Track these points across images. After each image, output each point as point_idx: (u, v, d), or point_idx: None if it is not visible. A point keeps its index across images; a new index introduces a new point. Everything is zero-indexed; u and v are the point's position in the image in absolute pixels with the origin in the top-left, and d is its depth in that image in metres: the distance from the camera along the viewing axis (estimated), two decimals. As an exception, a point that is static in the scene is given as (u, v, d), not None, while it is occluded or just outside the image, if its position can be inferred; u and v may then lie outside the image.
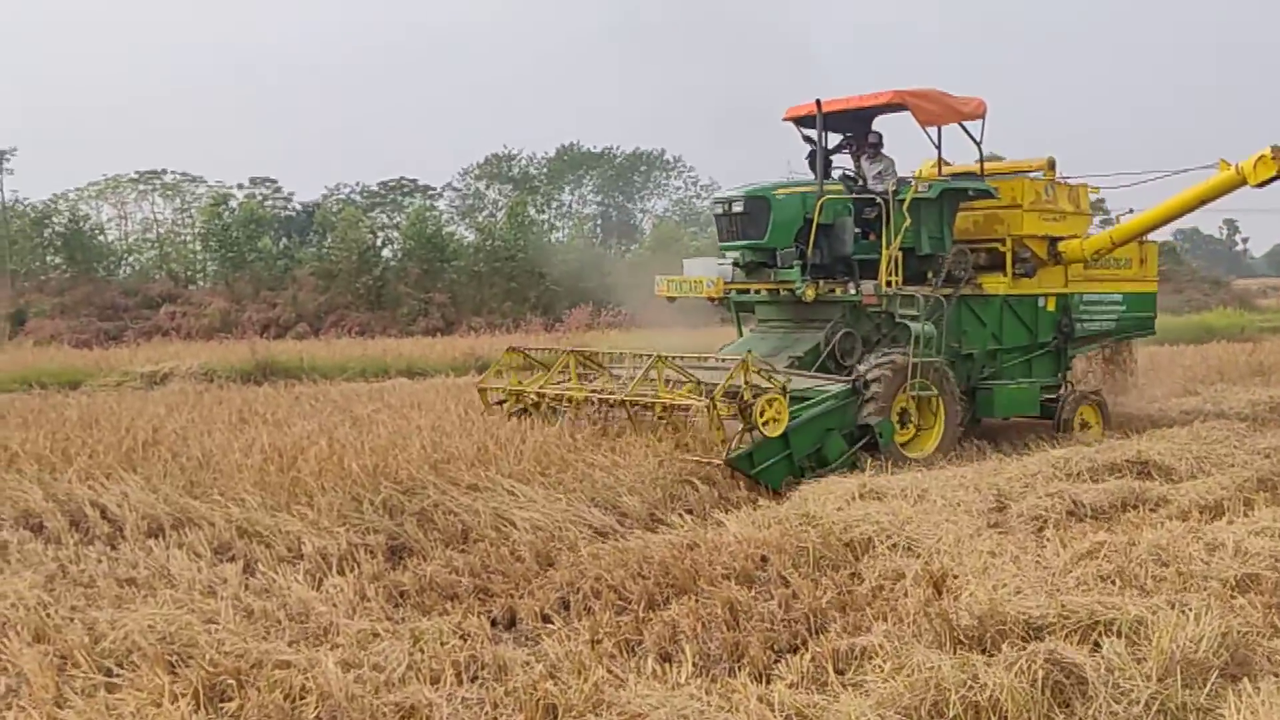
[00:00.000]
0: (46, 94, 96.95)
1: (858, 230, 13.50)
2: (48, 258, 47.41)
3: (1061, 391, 14.96)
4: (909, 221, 13.31)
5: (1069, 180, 15.11)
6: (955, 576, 7.35)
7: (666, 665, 6.13)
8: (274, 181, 53.15)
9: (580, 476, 10.20)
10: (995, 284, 14.33)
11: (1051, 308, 14.87)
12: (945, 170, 14.79)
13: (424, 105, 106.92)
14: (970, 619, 6.24)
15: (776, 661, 6.24)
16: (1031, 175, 14.85)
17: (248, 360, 25.25)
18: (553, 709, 5.48)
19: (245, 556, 8.41)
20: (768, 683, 5.86)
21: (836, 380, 12.29)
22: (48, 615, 6.90)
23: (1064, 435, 14.05)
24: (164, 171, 51.59)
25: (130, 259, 50.99)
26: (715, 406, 10.98)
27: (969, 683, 5.31)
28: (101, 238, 49.98)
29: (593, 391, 12.40)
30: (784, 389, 11.21)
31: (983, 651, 5.90)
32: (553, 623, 7.03)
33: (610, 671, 5.99)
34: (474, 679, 5.98)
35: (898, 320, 13.26)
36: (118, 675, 6.03)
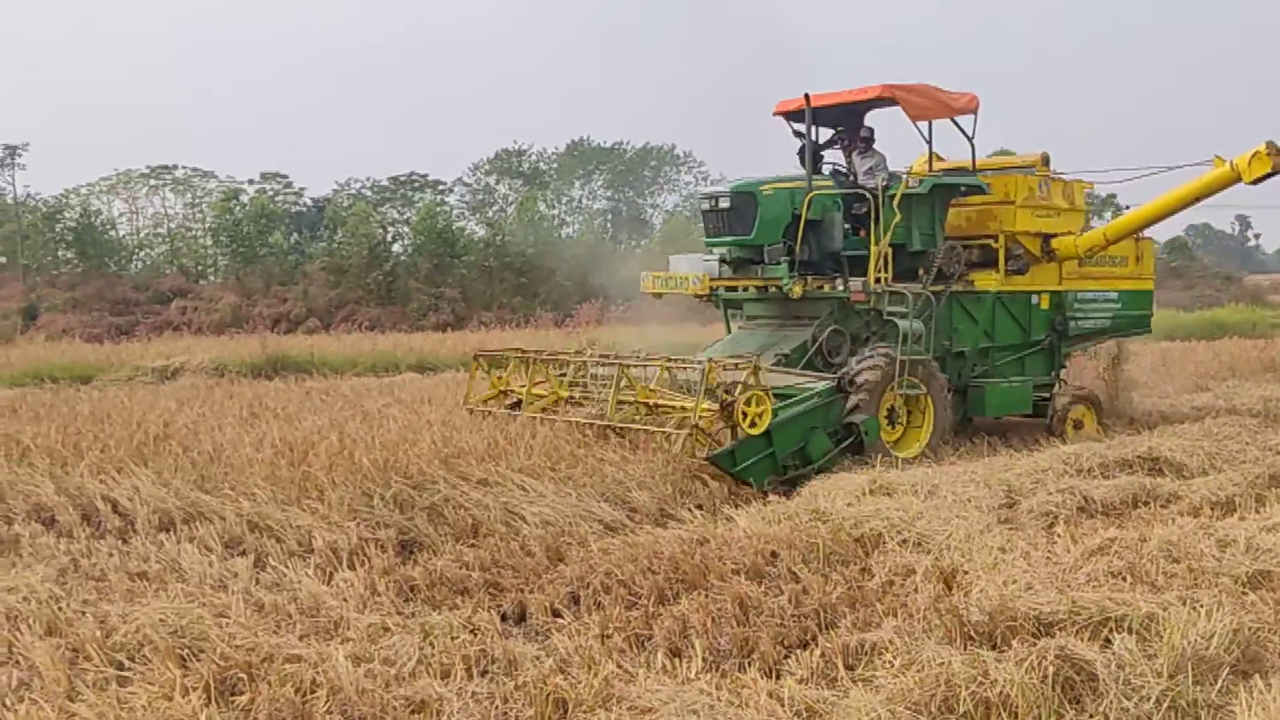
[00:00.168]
0: (58, 89, 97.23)
1: (847, 226, 13.38)
2: (59, 253, 47.59)
3: (1055, 390, 14.82)
4: (899, 217, 13.16)
5: (1063, 176, 15.00)
6: (965, 572, 7.34)
7: (676, 660, 6.13)
8: (285, 177, 53.30)
9: (590, 471, 10.20)
10: (987, 281, 14.18)
11: (1045, 305, 14.71)
12: (938, 166, 14.65)
13: (435, 101, 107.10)
14: (980, 615, 6.24)
15: (786, 657, 6.23)
16: (1025, 171, 14.70)
17: (258, 355, 25.29)
18: (563, 704, 5.49)
19: (256, 551, 8.43)
20: (778, 678, 5.86)
21: (821, 378, 12.11)
22: (59, 609, 6.92)
23: (1057, 435, 13.90)
24: (175, 167, 51.75)
25: (141, 254, 51.14)
26: (697, 431, 10.83)
27: (979, 679, 5.30)
28: (113, 233, 50.09)
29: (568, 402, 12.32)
30: (763, 388, 11.00)
31: (993, 647, 5.90)
32: (563, 617, 7.04)
33: (620, 666, 6.00)
34: (484, 673, 5.99)
35: (886, 318, 13.12)
36: (129, 669, 6.04)
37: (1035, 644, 5.65)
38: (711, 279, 13.52)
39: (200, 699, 5.51)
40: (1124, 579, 7.03)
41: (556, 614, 7.13)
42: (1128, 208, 15.61)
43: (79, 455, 10.91)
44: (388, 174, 53.52)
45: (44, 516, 9.48)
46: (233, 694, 5.67)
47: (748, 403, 10.77)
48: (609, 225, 61.61)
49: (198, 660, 6.02)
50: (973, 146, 14.06)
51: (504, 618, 7.12)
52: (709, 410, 10.89)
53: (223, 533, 8.74)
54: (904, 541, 8.25)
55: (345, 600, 7.23)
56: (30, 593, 7.14)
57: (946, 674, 5.36)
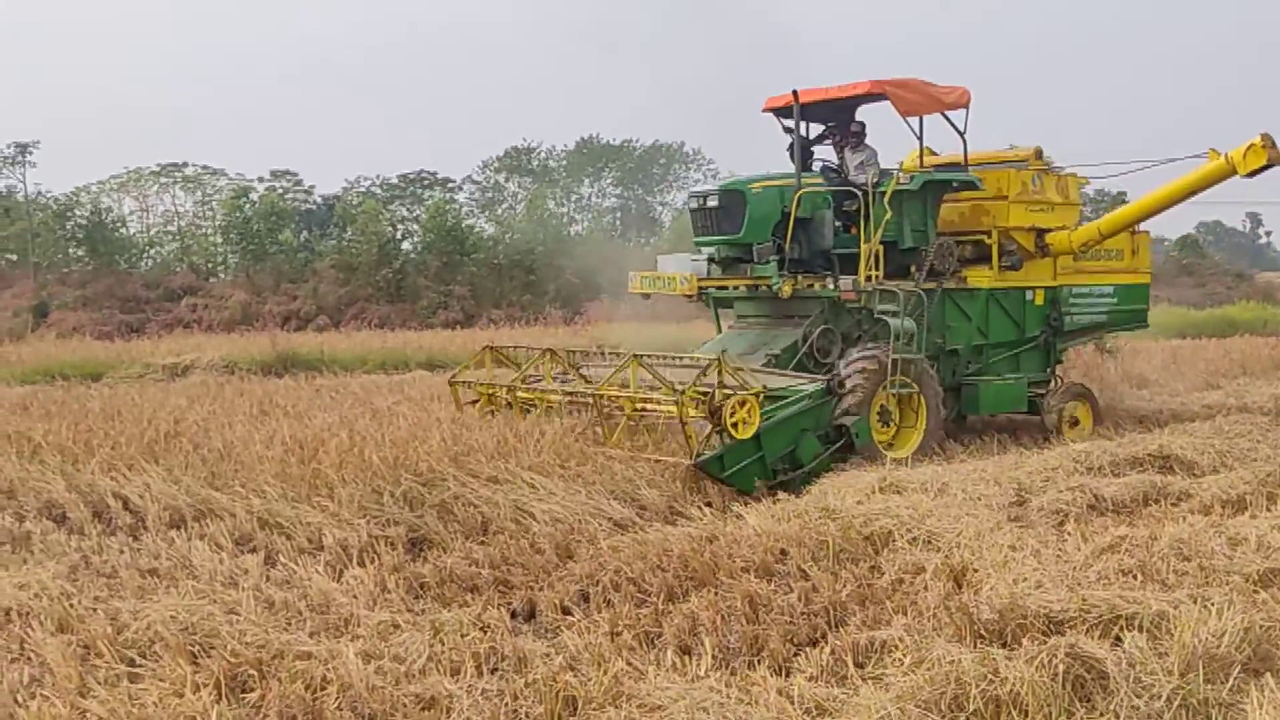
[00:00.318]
0: (68, 88, 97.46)
1: (838, 224, 13.20)
2: (70, 250, 47.64)
3: (1050, 387, 14.67)
4: (890, 214, 13.00)
5: (1061, 168, 14.88)
6: (975, 570, 7.33)
7: (686, 658, 6.13)
8: (294, 174, 53.29)
9: (600, 469, 10.21)
10: (980, 277, 14.03)
11: (1039, 301, 14.56)
12: (931, 161, 14.48)
13: (444, 99, 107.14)
14: (990, 613, 6.23)
15: (796, 654, 6.23)
16: (1018, 165, 14.51)
17: (268, 352, 25.36)
18: (572, 701, 5.49)
19: (266, 548, 8.45)
20: (787, 676, 5.86)
21: (811, 379, 11.91)
22: (71, 605, 6.94)
23: (1052, 433, 13.82)
24: (185, 164, 51.74)
25: (152, 252, 51.17)
26: (684, 407, 10.57)
27: (989, 676, 5.29)
28: (123, 230, 50.17)
29: (568, 394, 12.10)
30: (758, 392, 10.81)
31: (1003, 645, 5.89)
32: (572, 615, 7.04)
33: (630, 664, 6.00)
34: (494, 670, 6.00)
35: (877, 316, 12.93)
36: (140, 665, 6.06)
37: (1045, 642, 5.63)
38: (699, 279, 13.34)
39: (211, 695, 5.52)
40: (1135, 577, 7.02)
41: (566, 611, 7.13)
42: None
43: (90, 452, 10.95)
44: (397, 172, 53.65)
45: (55, 513, 9.53)
46: (243, 691, 5.69)
47: (738, 404, 10.52)
48: (618, 223, 61.61)
49: (208, 657, 6.04)
50: (964, 142, 13.90)
51: (514, 615, 7.12)
52: (696, 396, 10.64)
53: (233, 530, 8.76)
54: (914, 539, 8.24)
55: (355, 597, 7.24)
56: (41, 589, 7.17)
57: (956, 672, 5.35)
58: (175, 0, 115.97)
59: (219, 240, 50.10)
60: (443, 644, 6.29)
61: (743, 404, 10.53)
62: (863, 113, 13.99)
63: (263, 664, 5.91)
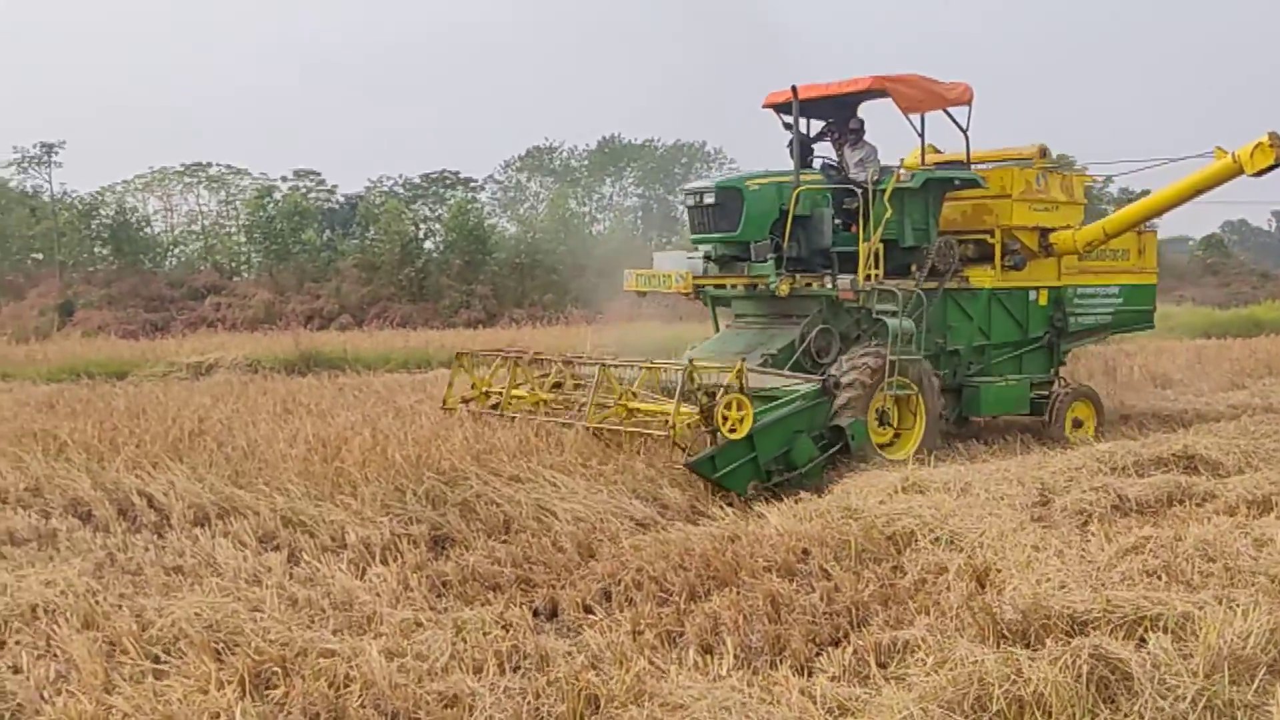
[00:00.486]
0: (93, 88, 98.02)
1: (838, 221, 13.04)
2: (95, 249, 47.98)
3: (1054, 388, 14.46)
4: (890, 212, 12.82)
5: (1074, 165, 14.73)
6: (998, 570, 7.30)
7: (708, 657, 6.13)
8: (317, 174, 53.43)
9: (621, 468, 10.21)
10: (982, 277, 13.88)
11: (1043, 301, 14.38)
12: (935, 159, 14.28)
13: (466, 98, 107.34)
14: (1014, 613, 6.20)
15: (818, 654, 6.22)
16: (1022, 164, 14.32)
17: (291, 351, 25.44)
18: (594, 699, 5.49)
19: (290, 546, 8.49)
20: (809, 675, 5.85)
21: (807, 379, 11.66)
22: (96, 602, 6.99)
23: (1056, 436, 13.62)
24: (209, 164, 51.99)
25: (176, 251, 51.49)
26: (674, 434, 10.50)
27: (1012, 677, 5.27)
28: (148, 230, 50.49)
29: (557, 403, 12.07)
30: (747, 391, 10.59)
31: (1026, 646, 5.86)
32: (594, 613, 7.05)
33: (652, 663, 6.00)
34: (516, 669, 6.01)
35: (876, 316, 12.72)
36: (165, 662, 6.10)
37: (1069, 643, 5.60)
38: (695, 277, 13.20)
39: (235, 692, 5.55)
40: (1159, 578, 6.97)
41: (588, 610, 7.14)
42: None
43: (115, 450, 11.03)
44: (419, 171, 53.76)
45: (81, 511, 9.60)
46: (267, 688, 5.71)
47: (728, 407, 10.31)
48: (640, 222, 61.60)
49: (232, 654, 6.07)
50: (967, 139, 13.75)
51: (536, 613, 7.14)
52: (687, 413, 10.54)
53: (257, 528, 8.80)
54: (936, 539, 8.21)
55: (378, 595, 7.27)
56: (67, 586, 7.21)
57: (979, 672, 5.33)
58: (197, 1, 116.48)
59: (242, 239, 50.37)
60: (465, 642, 6.31)
61: (734, 404, 10.34)
62: (865, 109, 13.83)
63: (286, 661, 5.93)
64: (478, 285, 43.57)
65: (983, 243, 14.09)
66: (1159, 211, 14.51)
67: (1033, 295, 14.31)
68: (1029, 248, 14.09)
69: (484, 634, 6.45)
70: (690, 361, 11.38)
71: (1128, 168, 14.62)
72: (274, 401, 15.42)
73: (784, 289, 12.46)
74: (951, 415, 13.40)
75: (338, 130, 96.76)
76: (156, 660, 6.13)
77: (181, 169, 51.59)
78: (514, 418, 11.91)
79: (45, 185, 48.53)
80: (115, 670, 5.97)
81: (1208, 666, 5.38)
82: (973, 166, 13.93)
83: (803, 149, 13.58)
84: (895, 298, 12.58)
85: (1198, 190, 13.64)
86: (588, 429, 11.13)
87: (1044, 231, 14.17)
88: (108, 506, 9.52)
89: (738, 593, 7.12)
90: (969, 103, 13.56)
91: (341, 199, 53.01)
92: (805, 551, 7.97)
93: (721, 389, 10.46)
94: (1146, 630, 5.90)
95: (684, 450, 10.50)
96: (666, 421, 10.64)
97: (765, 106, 13.80)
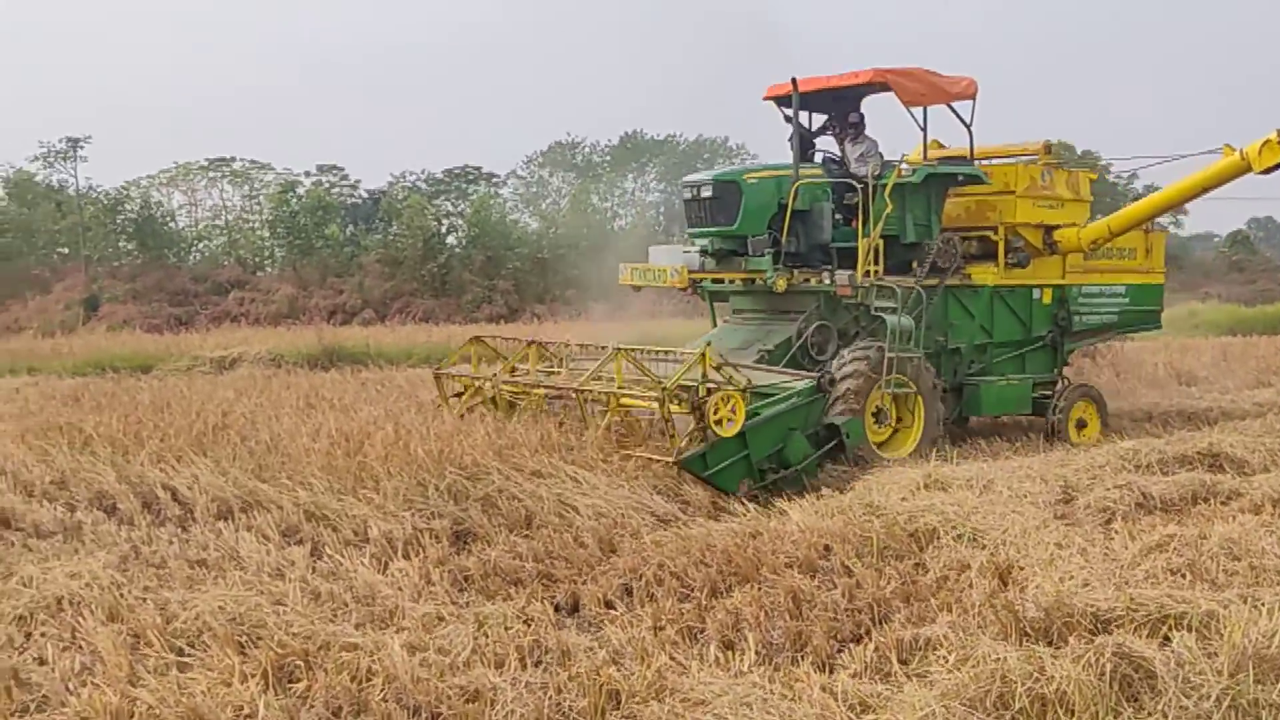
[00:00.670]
0: (118, 83, 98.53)
1: (838, 217, 12.88)
2: (120, 244, 48.32)
3: (1057, 388, 14.26)
4: (891, 208, 12.65)
5: (1066, 165, 14.51)
6: (1021, 568, 7.28)
7: (729, 653, 6.13)
8: (341, 169, 53.60)
9: (642, 464, 10.20)
10: (984, 275, 13.69)
11: (1047, 300, 14.18)
12: (938, 154, 14.10)
13: (488, 93, 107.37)
14: (1036, 611, 6.18)
15: (839, 651, 6.22)
16: (1026, 160, 14.12)
17: (314, 346, 25.54)
18: (615, 695, 5.50)
19: (313, 540, 8.52)
20: (831, 672, 5.84)
21: (801, 376, 11.43)
22: (121, 595, 7.04)
23: (1059, 436, 13.48)
24: (233, 159, 52.25)
25: (200, 245, 51.79)
26: (666, 405, 10.28)
27: (1035, 675, 5.25)
28: (172, 224, 50.80)
29: (549, 386, 11.80)
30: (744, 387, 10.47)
31: (1049, 644, 5.84)
32: (615, 609, 7.06)
33: (673, 658, 6.01)
34: (537, 664, 6.02)
35: (874, 313, 12.54)
36: (189, 655, 6.13)
37: (1092, 641, 5.58)
38: (691, 271, 13.05)
39: (258, 685, 5.58)
40: (1183, 576, 6.94)
41: (609, 605, 7.15)
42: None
43: (140, 444, 11.09)
44: (442, 166, 53.90)
45: (106, 504, 9.66)
46: (290, 681, 5.74)
47: (719, 402, 10.12)
48: (661, 218, 61.56)
49: (256, 647, 6.10)
50: (970, 134, 13.55)
51: (557, 608, 7.15)
52: (678, 408, 10.29)
53: (280, 521, 8.84)
54: (959, 536, 8.19)
55: (400, 589, 7.29)
56: (93, 579, 7.26)
57: (1002, 670, 5.31)
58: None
59: (266, 234, 50.60)
60: (487, 637, 6.32)
61: (726, 400, 10.19)
62: (869, 103, 13.65)
63: (309, 655, 5.96)
64: (500, 280, 43.63)
65: (986, 240, 13.92)
66: (1165, 209, 14.31)
67: (1036, 293, 14.14)
68: (1033, 245, 13.91)
69: (505, 629, 6.46)
70: (707, 344, 11.26)
71: (1137, 164, 14.46)
72: (297, 396, 15.48)
73: (781, 284, 12.31)
74: (951, 414, 13.23)
75: (361, 126, 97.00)
76: (180, 653, 6.17)
77: (206, 164, 51.91)
78: (509, 403, 11.82)
79: (71, 180, 48.93)
80: (140, 662, 6.02)
81: (1232, 665, 5.35)
82: (977, 162, 13.75)
83: (803, 142, 13.43)
84: (894, 294, 12.43)
85: (1205, 188, 13.45)
86: (578, 390, 11.03)
87: (1048, 229, 13.99)
88: (132, 500, 9.58)
89: (759, 589, 7.11)
90: (973, 97, 13.38)
91: (364, 194, 53.20)
92: (827, 548, 7.96)
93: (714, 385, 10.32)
94: (1170, 629, 5.87)
95: (672, 437, 10.34)
96: (659, 402, 10.34)
97: (766, 99, 13.63)
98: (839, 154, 13.64)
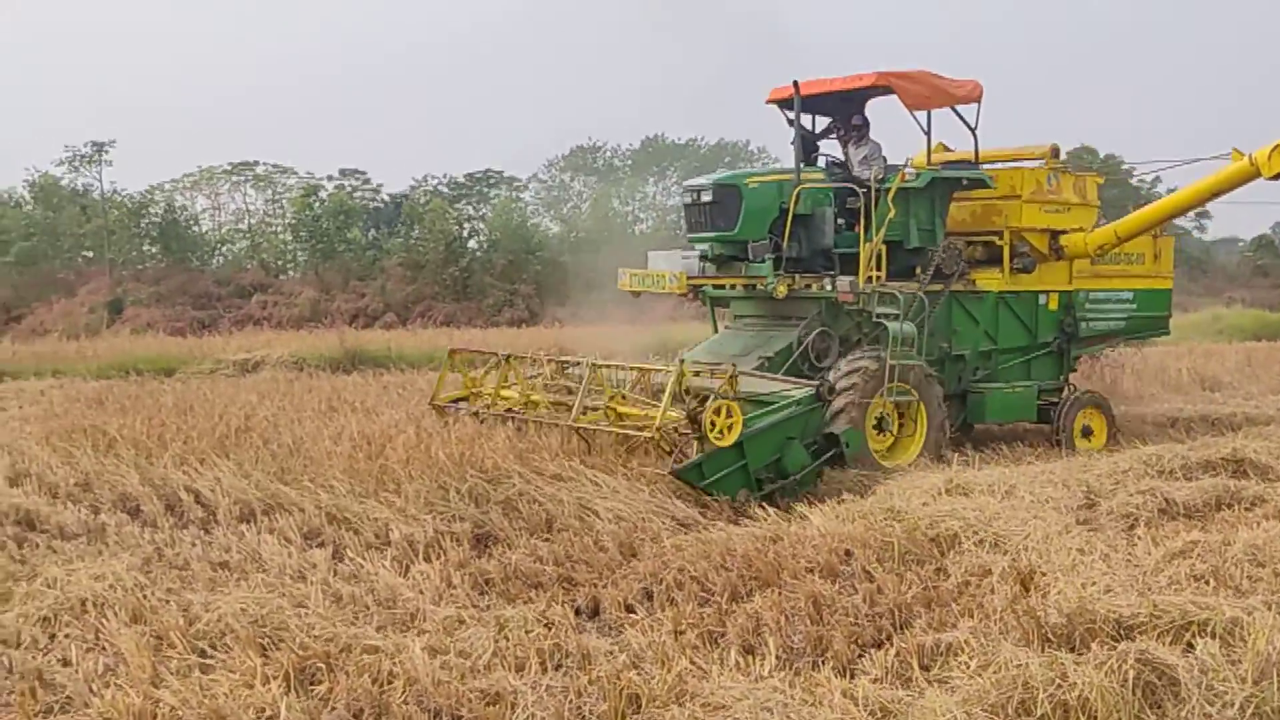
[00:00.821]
0: (144, 88, 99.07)
1: (841, 221, 12.65)
2: (144, 247, 48.61)
3: (1063, 395, 14.02)
4: (894, 212, 12.38)
5: (1071, 169, 14.28)
6: (1043, 574, 7.25)
7: (749, 657, 6.12)
8: (363, 173, 53.85)
9: (664, 468, 10.20)
10: (989, 280, 13.48)
11: (1053, 306, 13.95)
12: (943, 158, 13.88)
13: (510, 97, 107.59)
14: (1059, 617, 6.16)
15: (860, 656, 6.20)
16: (1032, 164, 13.90)
17: (337, 349, 25.62)
18: (636, 699, 5.50)
19: (334, 542, 8.55)
20: (852, 677, 5.83)
21: (801, 384, 11.14)
22: (144, 597, 7.08)
23: (1065, 444, 13.24)
24: (256, 163, 52.52)
25: (223, 249, 52.08)
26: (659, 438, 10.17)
27: (1057, 681, 5.23)
28: (196, 228, 51.09)
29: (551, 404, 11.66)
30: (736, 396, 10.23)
31: (1071, 650, 5.81)
32: (636, 613, 7.05)
33: (693, 662, 6.00)
34: (558, 667, 6.02)
35: (876, 319, 12.28)
36: (211, 656, 6.16)
37: (1115, 647, 5.56)
38: (690, 277, 12.86)
39: (280, 687, 5.60)
40: (1207, 583, 6.90)
41: (630, 609, 7.15)
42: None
43: (163, 446, 11.16)
44: (464, 170, 53.96)
45: (129, 506, 9.72)
46: (312, 683, 5.76)
47: (716, 412, 9.88)
48: (682, 221, 61.48)
49: (278, 649, 6.13)
50: (976, 138, 13.40)
51: (578, 612, 7.14)
52: (675, 417, 10.18)
53: (302, 524, 8.88)
54: (980, 542, 8.16)
55: (421, 592, 7.31)
56: (116, 580, 7.31)
57: (1024, 676, 5.29)
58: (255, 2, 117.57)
59: (289, 238, 50.86)
60: (507, 640, 6.33)
61: (722, 410, 9.92)
62: (875, 106, 13.46)
63: (331, 657, 5.98)
64: (521, 284, 43.72)
65: (991, 245, 13.72)
66: (1174, 214, 14.11)
67: (1042, 299, 13.92)
68: (1039, 250, 13.73)
69: (526, 632, 6.47)
70: (681, 363, 11.15)
71: (1150, 167, 14.30)
72: (319, 399, 15.55)
73: (782, 290, 12.11)
74: (955, 422, 13.00)
75: (383, 129, 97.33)
76: (203, 654, 6.20)
77: (229, 168, 52.20)
78: (501, 418, 11.71)
79: (96, 184, 49.27)
80: (163, 664, 6.04)
81: (1256, 673, 5.32)
82: (982, 166, 13.59)
83: (807, 146, 13.30)
84: (896, 301, 12.21)
85: (1214, 193, 13.30)
86: (572, 427, 10.88)
87: (1054, 234, 13.80)
88: (156, 502, 9.64)
89: (780, 593, 7.10)
90: (978, 100, 13.21)
91: (386, 198, 53.42)
92: (848, 553, 7.94)
93: (711, 394, 10.18)
94: (1194, 636, 5.83)
95: (669, 454, 10.26)
96: (652, 424, 10.27)
97: (769, 102, 13.46)
98: (843, 157, 13.48)
